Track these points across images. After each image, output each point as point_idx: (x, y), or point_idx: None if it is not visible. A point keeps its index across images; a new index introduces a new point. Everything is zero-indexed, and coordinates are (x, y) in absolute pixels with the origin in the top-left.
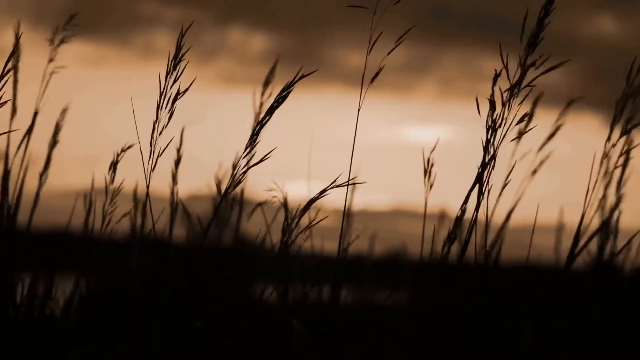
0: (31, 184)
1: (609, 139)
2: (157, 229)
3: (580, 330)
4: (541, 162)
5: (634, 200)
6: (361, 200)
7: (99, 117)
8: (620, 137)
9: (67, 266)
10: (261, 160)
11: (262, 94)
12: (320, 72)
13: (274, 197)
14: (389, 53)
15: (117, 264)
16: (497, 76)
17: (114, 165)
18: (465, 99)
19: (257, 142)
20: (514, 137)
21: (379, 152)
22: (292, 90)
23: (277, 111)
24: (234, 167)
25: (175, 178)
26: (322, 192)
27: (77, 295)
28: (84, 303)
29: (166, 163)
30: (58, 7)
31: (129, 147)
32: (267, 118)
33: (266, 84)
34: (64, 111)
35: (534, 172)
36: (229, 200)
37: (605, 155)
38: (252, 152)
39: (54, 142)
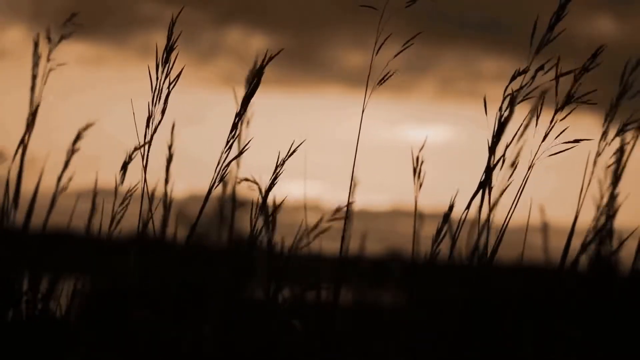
0: (29, 184)
1: (603, 138)
2: (156, 229)
3: (579, 331)
4: (534, 160)
5: (630, 200)
6: (361, 200)
7: (98, 117)
8: (615, 136)
9: (69, 266)
10: (240, 154)
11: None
12: (320, 72)
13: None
14: (395, 56)
15: (117, 264)
16: (515, 76)
17: (125, 166)
18: (464, 99)
19: (237, 135)
20: (517, 138)
21: (378, 151)
22: (262, 74)
23: (276, 111)
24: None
25: (168, 177)
26: (275, 176)
27: (78, 295)
28: (85, 303)
29: (164, 162)
30: (58, 7)
31: (142, 146)
32: (244, 109)
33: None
34: (87, 125)
35: (530, 167)
36: (224, 200)
37: (599, 154)
38: (234, 146)
39: (72, 151)
